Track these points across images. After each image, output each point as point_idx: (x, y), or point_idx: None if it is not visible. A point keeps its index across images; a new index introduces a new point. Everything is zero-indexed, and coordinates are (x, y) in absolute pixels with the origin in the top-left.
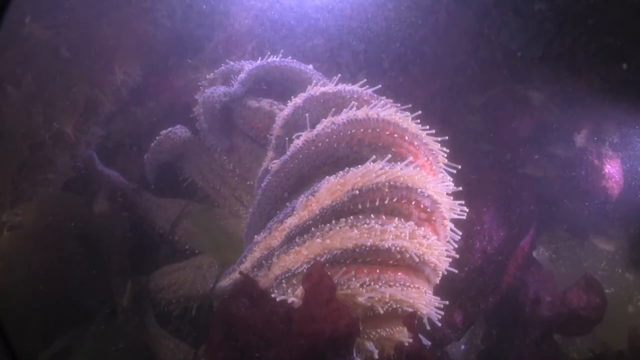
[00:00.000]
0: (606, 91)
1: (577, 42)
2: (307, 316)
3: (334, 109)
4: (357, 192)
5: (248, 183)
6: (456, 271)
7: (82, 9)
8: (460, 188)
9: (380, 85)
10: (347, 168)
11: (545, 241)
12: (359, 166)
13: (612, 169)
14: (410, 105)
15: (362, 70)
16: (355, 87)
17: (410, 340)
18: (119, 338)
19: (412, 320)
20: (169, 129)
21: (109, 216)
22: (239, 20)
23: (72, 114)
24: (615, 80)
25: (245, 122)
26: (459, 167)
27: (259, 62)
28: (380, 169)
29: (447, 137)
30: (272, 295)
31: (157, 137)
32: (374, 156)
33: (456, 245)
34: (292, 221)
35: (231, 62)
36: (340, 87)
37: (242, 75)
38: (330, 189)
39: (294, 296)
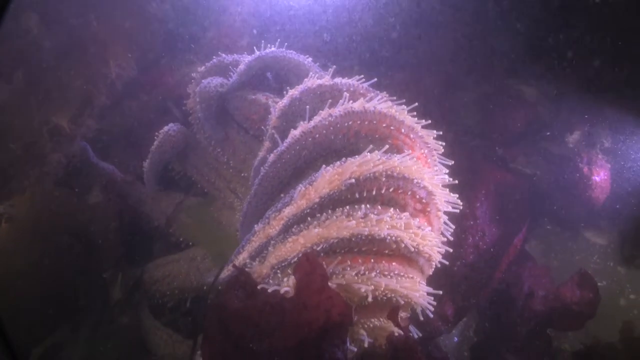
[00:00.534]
0: (599, 92)
1: (570, 43)
2: (299, 305)
3: (330, 101)
4: (354, 180)
5: (243, 175)
6: (447, 263)
7: (77, 3)
8: (457, 181)
9: (375, 79)
10: (344, 158)
11: (538, 235)
12: (357, 156)
13: (600, 178)
14: (404, 100)
15: (356, 65)
16: (352, 81)
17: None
18: (113, 331)
19: (397, 311)
20: (165, 128)
21: (103, 210)
22: (234, 15)
23: (67, 108)
24: (608, 82)
25: (241, 113)
26: (452, 162)
27: (257, 53)
28: (378, 159)
29: (441, 132)
30: (267, 285)
31: (156, 139)
32: (371, 146)
33: (451, 238)
34: (290, 210)
35: (223, 55)
36: (337, 80)
37: (241, 67)
38: (329, 178)
39: (287, 286)
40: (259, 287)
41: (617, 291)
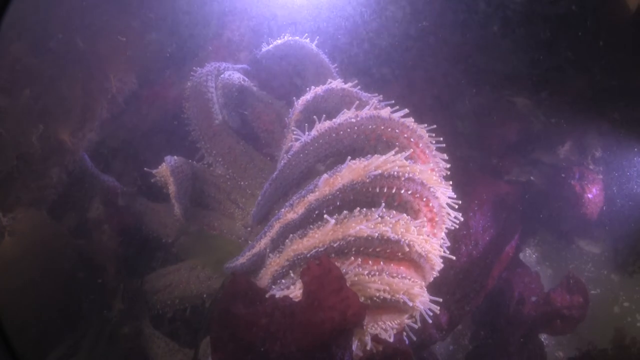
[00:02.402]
0: (591, 102)
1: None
2: (313, 307)
3: (357, 102)
4: (379, 172)
5: (241, 183)
6: (438, 275)
7: (79, 22)
8: (460, 202)
9: (393, 101)
10: (369, 155)
11: (532, 244)
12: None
13: (592, 195)
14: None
15: (354, 77)
16: (371, 95)
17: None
18: (114, 341)
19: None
20: (169, 168)
21: (103, 221)
22: (232, 30)
23: (69, 122)
24: (599, 92)
25: (254, 112)
26: (451, 183)
27: (285, 39)
28: (402, 161)
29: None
30: (278, 284)
31: (172, 182)
32: (397, 149)
33: (447, 251)
34: (313, 196)
35: (197, 69)
36: (358, 90)
37: (277, 41)
38: (354, 169)
39: (298, 287)
40: (267, 295)
41: (611, 299)
